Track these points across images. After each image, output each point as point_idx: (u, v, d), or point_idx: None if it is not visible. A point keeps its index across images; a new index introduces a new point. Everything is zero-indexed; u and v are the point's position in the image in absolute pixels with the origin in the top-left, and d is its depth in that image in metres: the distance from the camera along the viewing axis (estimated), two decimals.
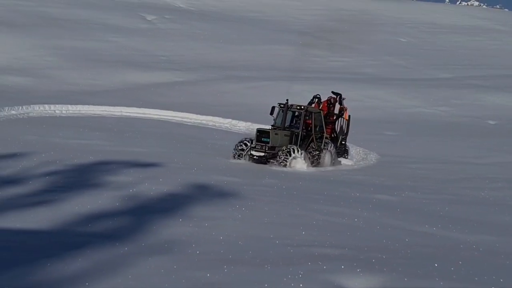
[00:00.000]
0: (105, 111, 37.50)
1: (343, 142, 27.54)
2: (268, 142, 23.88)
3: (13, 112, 34.01)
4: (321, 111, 25.77)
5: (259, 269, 9.56)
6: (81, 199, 13.87)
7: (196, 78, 53.23)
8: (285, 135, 24.51)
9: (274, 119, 25.27)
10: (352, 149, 29.00)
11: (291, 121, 25.40)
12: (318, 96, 27.44)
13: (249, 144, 24.17)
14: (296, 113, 25.46)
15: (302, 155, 23.70)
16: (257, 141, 24.02)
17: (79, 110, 36.95)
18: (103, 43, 63.29)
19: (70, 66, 53.97)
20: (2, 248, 10.04)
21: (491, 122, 43.63)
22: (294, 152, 23.46)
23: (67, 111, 36.52)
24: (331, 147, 25.21)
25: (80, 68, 53.43)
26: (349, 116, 27.65)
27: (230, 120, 37.32)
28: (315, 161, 24.35)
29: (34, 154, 20.38)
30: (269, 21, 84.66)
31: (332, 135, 26.96)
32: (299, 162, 23.53)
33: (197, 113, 38.03)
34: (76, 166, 18.97)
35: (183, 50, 64.84)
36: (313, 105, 26.66)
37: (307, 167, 23.80)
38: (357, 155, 28.19)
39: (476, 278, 9.75)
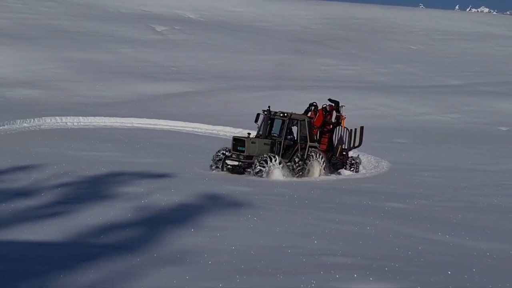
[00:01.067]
0: (116, 122, 37.61)
1: (344, 153, 26.42)
2: (243, 151, 22.80)
3: (25, 124, 34.18)
4: (310, 119, 24.58)
5: (271, 279, 9.55)
6: (93, 210, 13.90)
7: (206, 88, 53.32)
8: (265, 143, 23.38)
9: (258, 127, 24.28)
10: (363, 157, 28.83)
11: (280, 129, 23.98)
12: (314, 104, 26.39)
13: (227, 154, 23.18)
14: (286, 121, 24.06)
15: (281, 164, 22.48)
16: (232, 150, 23.02)
17: (90, 122, 37.07)
18: (113, 54, 63.53)
19: (81, 78, 54.19)
20: (16, 261, 10.07)
21: (503, 128, 43.45)
22: (270, 161, 22.26)
23: (79, 123, 36.66)
24: (319, 156, 23.81)
25: (91, 80, 53.63)
26: (362, 127, 26.81)
27: (240, 129, 37.34)
28: (298, 171, 23.11)
29: (46, 166, 20.46)
30: (278, 31, 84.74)
31: (330, 145, 26.11)
32: (276, 172, 22.34)
33: (207, 123, 38.06)
34: (88, 178, 19.03)
35: (192, 60, 64.98)
36: (309, 113, 25.81)
37: (292, 177, 22.74)
38: (369, 163, 28.09)
39: (490, 286, 9.70)
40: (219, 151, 23.33)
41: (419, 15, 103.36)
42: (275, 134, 23.97)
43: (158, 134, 34.59)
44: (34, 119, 35.30)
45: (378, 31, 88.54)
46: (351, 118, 42.72)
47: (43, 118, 35.97)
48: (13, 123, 33.78)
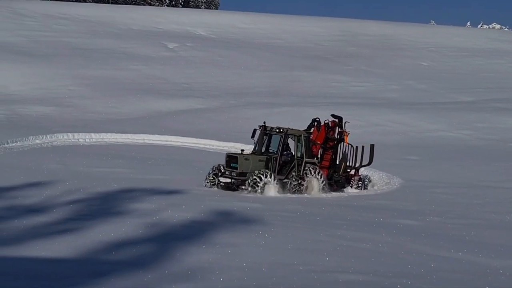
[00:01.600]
0: (128, 139, 37.72)
1: (348, 170, 25.91)
2: (236, 168, 22.36)
3: (37, 141, 34.36)
4: (308, 134, 24.04)
5: None
6: (105, 227, 13.92)
7: (217, 105, 53.44)
8: (260, 160, 22.87)
9: (255, 143, 23.68)
10: (375, 174, 28.74)
11: (278, 145, 23.40)
12: (317, 119, 25.84)
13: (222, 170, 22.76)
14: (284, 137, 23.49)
15: (275, 181, 22.01)
16: (226, 166, 22.62)
17: (102, 138, 37.19)
18: (125, 71, 63.84)
19: (93, 95, 54.44)
20: (28, 277, 10.09)
21: None
22: (265, 178, 21.79)
23: (91, 140, 36.78)
24: (317, 173, 23.24)
25: (103, 97, 53.86)
26: (372, 145, 26.35)
27: (252, 146, 37.35)
28: (294, 187, 22.68)
29: (58, 183, 20.53)
30: (289, 48, 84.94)
31: (332, 162, 25.55)
32: (271, 189, 21.85)
33: (218, 140, 38.09)
34: (99, 194, 19.08)
35: (204, 77, 65.19)
36: (312, 129, 25.40)
37: (289, 194, 22.33)
38: (380, 180, 27.98)
39: None
40: (213, 168, 22.93)
41: (430, 32, 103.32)
42: (272, 150, 23.54)
43: (169, 150, 34.65)
44: (46, 136, 35.48)
45: (390, 47, 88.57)
46: (363, 135, 42.85)
47: (55, 134, 36.13)
48: (25, 140, 33.98)
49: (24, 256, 11.43)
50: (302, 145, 23.36)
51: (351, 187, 25.60)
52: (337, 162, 25.99)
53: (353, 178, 25.84)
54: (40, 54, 66.31)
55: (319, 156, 25.41)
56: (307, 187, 22.94)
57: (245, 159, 22.53)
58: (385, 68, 76.41)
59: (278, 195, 21.83)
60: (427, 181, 27.50)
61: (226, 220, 15.74)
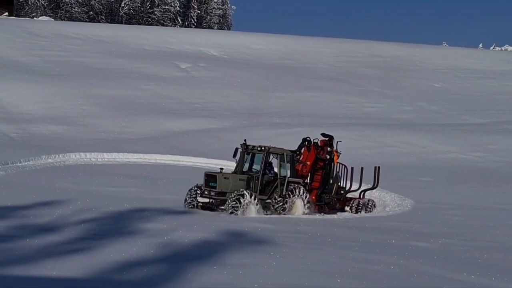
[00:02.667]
0: (140, 158, 37.80)
1: (341, 192, 25.27)
2: (215, 187, 21.62)
3: (49, 160, 34.52)
4: (293, 153, 23.43)
5: None
6: (116, 246, 13.93)
7: (229, 125, 53.51)
8: (240, 179, 22.24)
9: (236, 162, 23.20)
10: (387, 195, 28.64)
11: (260, 164, 22.73)
12: (308, 138, 25.22)
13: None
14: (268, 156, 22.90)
15: (256, 200, 21.31)
16: (204, 186, 21.82)
17: (114, 158, 37.30)
18: (138, 91, 64.08)
19: (105, 115, 54.66)
20: None
21: None
22: (245, 197, 21.03)
23: (103, 159, 36.90)
24: (301, 193, 22.50)
25: (115, 116, 54.07)
26: (378, 167, 25.83)
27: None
28: (276, 208, 22.00)
29: (70, 202, 20.59)
30: (302, 68, 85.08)
31: (323, 182, 24.92)
32: (252, 209, 21.14)
33: (230, 160, 38.07)
34: (111, 214, 19.11)
35: (216, 97, 65.34)
36: (303, 149, 24.83)
37: (272, 214, 21.74)
38: (392, 201, 27.88)
39: None
40: (193, 187, 22.19)
41: (442, 53, 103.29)
42: (255, 170, 22.93)
43: (181, 170, 34.69)
44: (58, 155, 35.63)
45: (402, 68, 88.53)
46: (375, 156, 42.79)
47: (67, 154, 36.28)
48: (38, 159, 34.14)
49: (36, 275, 11.44)
50: (285, 164, 22.70)
51: (350, 211, 24.90)
52: (328, 183, 25.22)
53: (353, 201, 25.19)
54: (53, 74, 66.72)
55: (309, 176, 24.71)
56: (290, 207, 22.25)
57: (225, 178, 21.86)
58: (398, 89, 76.35)
59: (259, 215, 21.14)
60: (439, 203, 27.38)
61: (237, 240, 15.71)
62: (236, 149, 22.92)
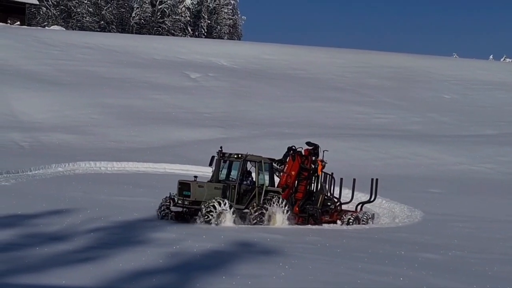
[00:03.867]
0: (149, 168, 37.85)
1: (329, 203, 24.44)
2: (189, 196, 20.78)
3: (59, 169, 34.61)
4: (272, 161, 22.67)
5: None
6: (125, 256, 13.94)
7: (238, 135, 53.53)
8: (216, 187, 21.41)
9: (213, 170, 22.38)
10: (397, 206, 28.54)
11: (237, 172, 21.91)
12: (293, 147, 24.48)
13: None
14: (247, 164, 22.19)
15: (231, 209, 20.51)
16: (178, 195, 20.98)
17: (124, 167, 37.37)
18: (147, 101, 64.24)
19: (115, 124, 54.81)
20: None
21: None
22: (219, 206, 20.22)
23: (112, 168, 36.98)
24: (280, 202, 21.69)
25: (125, 126, 54.21)
26: (376, 179, 25.24)
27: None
28: (254, 218, 21.15)
29: (79, 211, 20.64)
30: (311, 79, 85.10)
31: (307, 193, 24.22)
32: (227, 218, 20.32)
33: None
34: (120, 223, 19.14)
35: (226, 107, 65.42)
36: (288, 158, 24.08)
37: (249, 224, 20.94)
38: (402, 212, 27.79)
39: None
40: (166, 197, 21.34)
41: (453, 65, 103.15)
42: (233, 178, 22.12)
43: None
44: (68, 164, 35.74)
45: (412, 80, 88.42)
46: (385, 167, 42.69)
47: (77, 163, 36.39)
48: (48, 168, 34.24)
49: (45, 284, 11.46)
50: (263, 172, 21.94)
51: (342, 223, 24.12)
52: (314, 194, 24.55)
53: (345, 215, 24.48)
54: (64, 83, 67.01)
55: (293, 187, 24.12)
56: (269, 217, 21.52)
57: (199, 186, 20.97)
58: (408, 100, 76.24)
59: (235, 225, 20.38)
60: (449, 214, 27.28)
61: (246, 250, 15.69)
62: (213, 157, 22.17)
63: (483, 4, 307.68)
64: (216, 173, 22.12)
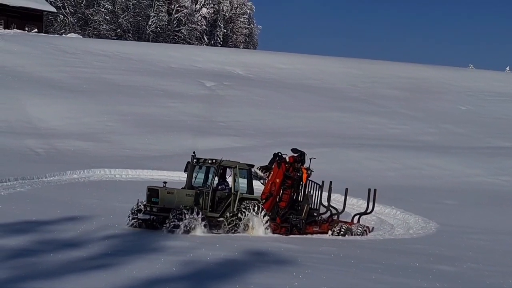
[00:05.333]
0: (164, 175, 37.85)
1: (315, 214, 23.59)
2: (157, 203, 19.72)
3: (74, 176, 34.77)
4: (250, 166, 21.79)
5: None
6: (139, 263, 13.95)
7: (253, 144, 53.54)
8: (187, 194, 20.37)
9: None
10: (411, 217, 28.40)
11: (212, 178, 21.00)
12: (279, 154, 23.35)
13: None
14: (221, 170, 21.42)
15: (201, 218, 19.45)
16: (147, 201, 19.95)
17: (139, 175, 37.46)
18: (163, 108, 64.45)
19: (130, 131, 55.00)
20: None
21: None
22: (188, 214, 19.21)
23: (127, 176, 37.09)
24: (257, 210, 20.67)
25: (140, 133, 54.39)
26: (374, 190, 24.63)
27: None
28: (229, 226, 20.26)
29: (94, 218, 20.71)
30: (326, 89, 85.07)
31: (291, 202, 23.29)
32: (197, 227, 19.31)
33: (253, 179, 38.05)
34: (134, 230, 19.19)
35: (241, 116, 65.50)
36: (273, 165, 23.03)
37: (224, 233, 20.06)
38: (416, 223, 27.66)
39: None
40: (136, 204, 20.33)
41: (469, 76, 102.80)
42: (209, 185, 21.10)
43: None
44: (83, 171, 35.90)
45: (427, 90, 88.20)
46: (399, 178, 42.52)
47: (92, 170, 36.54)
48: (63, 174, 34.41)
49: None
50: (237, 178, 20.97)
51: (332, 234, 23.50)
52: (298, 204, 23.56)
53: (336, 224, 23.77)
54: (80, 90, 67.36)
55: (278, 195, 23.22)
56: (246, 226, 20.46)
57: (168, 192, 19.93)
58: (423, 111, 76.04)
59: (206, 234, 19.36)
60: (464, 226, 27.13)
61: (259, 260, 15.67)
62: (188, 163, 21.31)
63: (500, 15, 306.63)
64: (189, 179, 21.07)
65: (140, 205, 20.05)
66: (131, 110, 61.59)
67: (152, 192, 19.93)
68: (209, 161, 21.13)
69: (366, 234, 24.15)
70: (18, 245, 15.33)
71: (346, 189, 25.36)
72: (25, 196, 26.38)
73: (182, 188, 20.85)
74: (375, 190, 25.34)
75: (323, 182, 24.70)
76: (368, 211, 25.66)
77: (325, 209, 24.40)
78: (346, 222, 24.40)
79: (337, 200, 27.37)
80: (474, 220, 29.06)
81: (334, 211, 24.69)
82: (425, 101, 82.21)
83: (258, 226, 20.65)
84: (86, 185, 32.16)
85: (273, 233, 21.50)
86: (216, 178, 21.22)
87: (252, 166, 22.26)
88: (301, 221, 23.06)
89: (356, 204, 31.07)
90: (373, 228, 25.62)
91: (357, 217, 25.45)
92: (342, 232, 23.48)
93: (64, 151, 46.94)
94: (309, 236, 22.51)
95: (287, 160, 23.37)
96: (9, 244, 15.40)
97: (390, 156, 48.10)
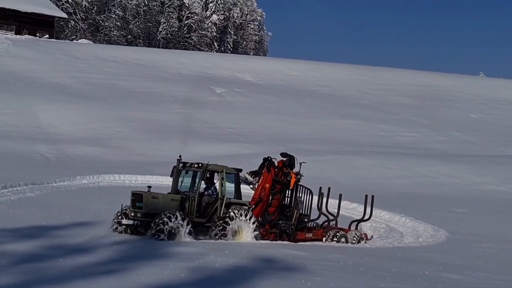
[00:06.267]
0: None
1: (305, 219, 23.05)
2: (141, 208, 19.24)
3: (84, 181, 34.86)
4: (238, 171, 21.24)
5: None
6: (148, 269, 13.95)
7: (263, 151, 53.37)
8: (173, 199, 19.84)
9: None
10: (420, 225, 28.28)
11: (198, 182, 20.53)
12: (269, 158, 22.92)
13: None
14: (208, 175, 20.97)
15: (185, 221, 18.92)
16: (131, 206, 19.42)
17: (148, 181, 37.42)
18: (173, 114, 64.56)
19: (140, 137, 55.09)
20: None
21: None
22: (171, 220, 18.68)
23: (136, 181, 37.12)
24: (245, 216, 20.14)
25: (149, 139, 54.48)
26: (372, 196, 24.22)
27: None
28: (216, 232, 19.67)
29: (103, 223, 20.72)
30: (336, 96, 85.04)
31: (280, 208, 22.78)
32: (181, 234, 18.84)
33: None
34: (143, 236, 19.17)
35: (250, 122, 65.52)
36: (263, 170, 22.72)
37: (211, 239, 19.54)
38: (425, 231, 27.55)
39: None
40: (120, 209, 19.87)
41: (479, 84, 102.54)
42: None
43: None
44: (93, 176, 35.98)
45: (438, 98, 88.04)
46: (409, 186, 42.37)
47: (101, 175, 36.61)
48: (73, 180, 34.50)
49: None
50: (224, 183, 20.43)
51: (326, 240, 23.05)
52: (288, 209, 23.04)
53: (331, 231, 23.31)
54: (90, 96, 67.58)
55: (268, 201, 22.74)
56: (235, 232, 19.93)
57: (153, 197, 19.48)
58: (433, 119, 75.87)
59: (192, 240, 18.90)
60: (474, 235, 27.00)
61: (268, 267, 15.64)
62: (174, 167, 20.78)
63: (511, 23, 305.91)
64: (174, 183, 20.43)
65: (124, 210, 19.61)
66: (141, 116, 61.74)
67: (136, 197, 19.46)
68: (195, 165, 20.64)
69: (363, 241, 23.75)
70: (27, 250, 15.36)
71: (340, 195, 24.99)
72: (35, 201, 26.46)
73: (168, 193, 20.41)
74: (372, 196, 24.93)
75: (320, 188, 24.38)
76: (366, 218, 25.10)
77: (321, 215, 23.91)
78: (342, 229, 23.91)
79: (346, 207, 27.28)
80: (484, 229, 28.91)
81: (331, 217, 24.24)
82: (436, 109, 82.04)
83: (246, 232, 20.16)
84: (95, 191, 32.22)
85: (263, 239, 21.02)
86: (204, 182, 20.89)
87: (240, 170, 21.70)
88: (290, 227, 22.56)
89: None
90: (372, 236, 25.42)
91: (354, 224, 24.88)
92: (336, 239, 23.08)
93: (74, 157, 47.06)
94: (317, 243, 22.43)
95: (275, 164, 22.89)
96: (19, 249, 15.43)
97: (400, 163, 47.98)
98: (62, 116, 58.25)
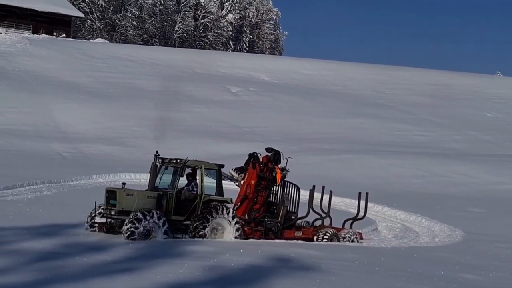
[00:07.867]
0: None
1: (293, 217, 22.14)
2: (115, 205, 18.45)
3: (100, 180, 34.99)
4: (220, 167, 20.48)
5: None
6: (163, 267, 14.00)
7: (278, 150, 53.50)
8: (149, 196, 18.98)
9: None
10: (436, 225, 28.17)
11: (176, 179, 19.69)
12: (255, 154, 22.22)
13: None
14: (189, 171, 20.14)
15: (161, 220, 18.06)
16: (106, 204, 18.69)
17: None
18: (188, 114, 64.69)
19: (155, 136, 55.23)
20: None
21: None
22: (149, 218, 17.87)
23: None
24: (226, 213, 19.31)
25: (165, 138, 54.60)
26: (366, 194, 23.62)
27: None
28: (194, 230, 18.77)
29: None
30: (352, 95, 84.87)
31: (266, 205, 21.97)
32: (158, 232, 18.03)
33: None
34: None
35: (266, 121, 65.53)
36: (249, 166, 21.97)
37: (190, 238, 18.71)
38: (441, 231, 27.44)
39: None
40: (94, 207, 19.04)
41: (496, 83, 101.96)
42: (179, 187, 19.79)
43: (229, 193, 34.69)
44: (109, 175, 36.10)
45: (454, 97, 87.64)
46: (425, 185, 42.20)
47: (117, 174, 36.73)
48: (89, 178, 34.66)
49: None
50: (202, 179, 19.70)
51: (316, 239, 22.25)
52: (274, 206, 22.21)
53: (322, 229, 22.58)
54: (106, 95, 67.87)
55: (254, 198, 21.99)
56: (214, 229, 19.13)
57: (127, 194, 18.62)
58: (449, 118, 75.52)
59: (167, 239, 18.19)
60: (491, 235, 26.86)
61: (283, 266, 15.65)
62: (152, 163, 20.04)
63: None
64: (151, 180, 19.63)
65: (98, 208, 18.95)
66: (157, 115, 61.88)
67: (110, 194, 18.70)
68: (174, 161, 19.93)
69: (357, 241, 23.01)
70: (44, 248, 15.47)
71: (366, 194, 24.57)
72: (52, 199, 26.63)
73: (146, 190, 19.69)
74: (367, 194, 24.34)
75: (313, 186, 23.84)
76: (359, 216, 24.29)
77: (314, 214, 23.27)
78: (335, 228, 23.14)
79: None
80: (501, 229, 28.75)
81: (324, 216, 23.51)
82: (452, 108, 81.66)
83: (227, 230, 19.34)
84: None
85: (247, 237, 20.45)
86: (186, 179, 20.23)
87: (222, 166, 20.79)
88: (276, 225, 21.73)
89: (381, 211, 30.96)
90: (360, 234, 24.53)
91: (348, 222, 24.04)
92: (326, 237, 22.23)
93: (90, 155, 47.29)
94: (333, 243, 22.31)
95: (260, 159, 22.17)
96: (36, 247, 15.54)
97: (415, 163, 47.82)
98: (79, 115, 58.55)
